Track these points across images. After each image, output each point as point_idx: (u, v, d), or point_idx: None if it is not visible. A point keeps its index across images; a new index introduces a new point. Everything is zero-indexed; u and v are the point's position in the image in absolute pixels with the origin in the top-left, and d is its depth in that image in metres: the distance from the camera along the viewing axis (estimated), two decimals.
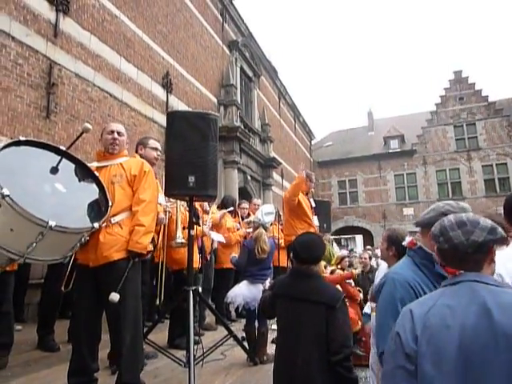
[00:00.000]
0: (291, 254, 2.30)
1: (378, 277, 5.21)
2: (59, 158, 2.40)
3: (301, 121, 22.41)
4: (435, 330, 1.15)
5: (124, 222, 2.50)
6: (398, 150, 24.53)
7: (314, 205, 5.07)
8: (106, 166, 2.64)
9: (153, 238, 3.20)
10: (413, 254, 1.87)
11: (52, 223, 2.03)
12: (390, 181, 24.32)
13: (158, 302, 3.50)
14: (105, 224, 2.36)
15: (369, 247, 14.45)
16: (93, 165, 2.63)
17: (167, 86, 9.15)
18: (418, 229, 1.89)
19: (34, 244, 2.06)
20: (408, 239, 2.05)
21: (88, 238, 2.33)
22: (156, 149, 3.24)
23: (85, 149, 6.35)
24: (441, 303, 1.20)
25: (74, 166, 2.50)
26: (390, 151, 24.64)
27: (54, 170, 2.32)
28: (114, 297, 2.25)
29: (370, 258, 8.26)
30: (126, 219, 2.52)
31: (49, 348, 3.58)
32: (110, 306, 2.34)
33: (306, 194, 5.11)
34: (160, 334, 3.46)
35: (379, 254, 8.92)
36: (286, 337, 2.08)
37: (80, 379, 2.39)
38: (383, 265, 5.45)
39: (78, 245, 2.28)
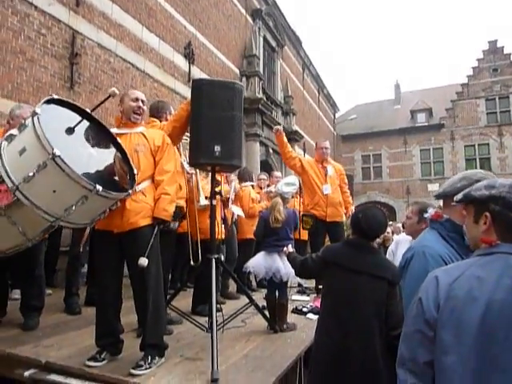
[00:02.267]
0: (350, 224, 2.27)
1: (398, 252, 5.18)
2: (86, 121, 2.41)
3: (325, 93, 21.88)
4: (460, 300, 1.12)
5: (146, 189, 2.54)
6: (426, 123, 23.78)
7: (330, 173, 5.03)
8: (126, 133, 2.64)
9: (182, 208, 3.25)
10: (438, 227, 1.80)
11: (99, 187, 2.05)
12: (415, 156, 23.72)
13: (192, 263, 3.55)
14: (131, 192, 2.38)
15: (391, 222, 14.28)
16: (113, 131, 2.64)
17: (189, 56, 9.04)
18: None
19: (74, 207, 2.09)
20: (432, 211, 1.98)
21: (114, 207, 2.37)
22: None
23: (108, 120, 6.41)
24: (469, 274, 1.16)
25: (98, 130, 2.51)
26: (417, 125, 23.93)
27: (71, 131, 2.30)
28: (143, 261, 2.30)
29: (393, 232, 8.19)
30: (148, 187, 2.56)
31: (70, 311, 3.75)
32: (135, 271, 2.40)
33: (322, 162, 5.07)
34: (183, 301, 3.55)
35: (401, 228, 8.82)
36: (336, 306, 2.08)
37: (107, 340, 2.49)
38: (402, 239, 5.41)
39: (108, 210, 2.32)
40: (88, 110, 2.49)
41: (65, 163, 1.99)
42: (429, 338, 1.15)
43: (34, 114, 2.08)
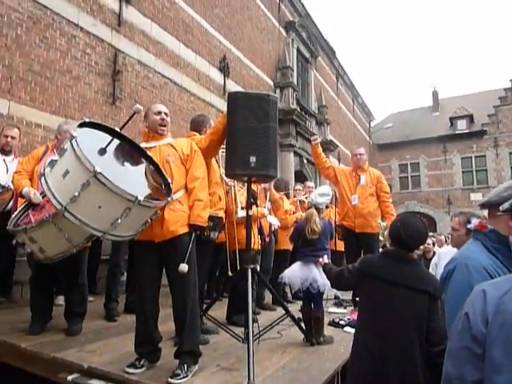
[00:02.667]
0: (387, 235, 2.22)
1: (441, 264, 4.97)
2: (115, 139, 2.51)
3: (359, 102, 21.63)
4: (510, 316, 1.07)
5: (182, 198, 2.61)
6: (466, 130, 22.90)
7: (362, 182, 4.87)
8: (155, 146, 2.72)
9: (221, 218, 3.31)
10: (482, 238, 1.73)
11: (140, 197, 2.14)
12: (456, 164, 22.86)
13: (230, 273, 3.59)
14: (170, 200, 2.45)
15: (432, 234, 13.78)
16: (142, 145, 2.73)
17: (224, 69, 9.24)
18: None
19: (119, 220, 2.18)
20: (475, 221, 1.91)
21: (156, 216, 2.44)
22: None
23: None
24: None
25: (128, 147, 2.62)
26: (457, 132, 23.09)
27: (103, 151, 2.40)
28: (183, 267, 2.36)
29: (434, 244, 7.90)
30: (183, 196, 2.63)
31: (109, 316, 3.87)
32: (174, 278, 2.47)
33: (356, 171, 4.95)
34: (219, 311, 3.58)
35: (443, 241, 8.49)
36: (374, 319, 2.03)
37: (146, 349, 2.55)
38: (447, 251, 5.20)
39: (149, 220, 2.40)
40: (117, 129, 2.60)
41: (106, 179, 2.09)
42: (477, 355, 1.08)
43: (72, 137, 2.20)
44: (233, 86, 9.44)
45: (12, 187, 3.42)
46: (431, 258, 6.35)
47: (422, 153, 23.71)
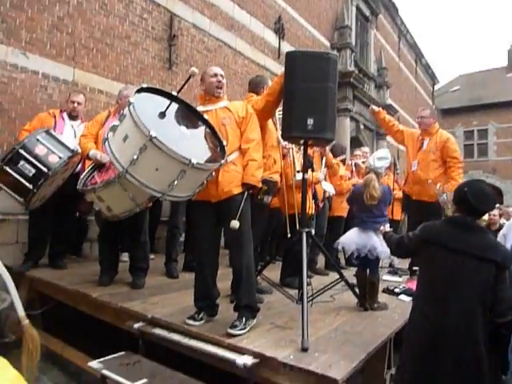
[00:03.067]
0: (453, 201, 2.11)
1: (509, 236, 4.65)
2: (173, 103, 2.55)
3: (423, 63, 20.15)
4: None
5: (236, 160, 2.66)
6: None
7: (424, 147, 4.57)
8: (211, 109, 2.75)
9: (276, 182, 3.32)
10: None
11: (194, 161, 2.21)
12: None
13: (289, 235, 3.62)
14: (224, 161, 2.49)
15: (498, 205, 12.94)
16: (199, 109, 2.77)
17: (279, 31, 8.96)
18: None
19: (176, 182, 2.27)
20: None
21: (213, 175, 2.50)
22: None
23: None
24: None
25: (186, 110, 2.66)
26: None
27: (163, 115, 2.46)
28: (235, 224, 2.44)
29: (500, 216, 7.44)
30: (238, 158, 2.68)
31: (169, 274, 4.09)
32: (230, 235, 2.56)
33: (421, 135, 4.64)
34: (272, 273, 3.65)
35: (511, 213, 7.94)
36: (435, 286, 1.99)
37: (204, 303, 2.69)
38: None
39: (205, 182, 2.47)
40: (174, 93, 2.63)
41: (161, 142, 2.16)
42: None
43: (129, 103, 2.28)
44: (288, 49, 9.12)
45: (80, 150, 3.63)
46: (496, 231, 5.98)
47: (491, 118, 21.86)
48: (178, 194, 2.45)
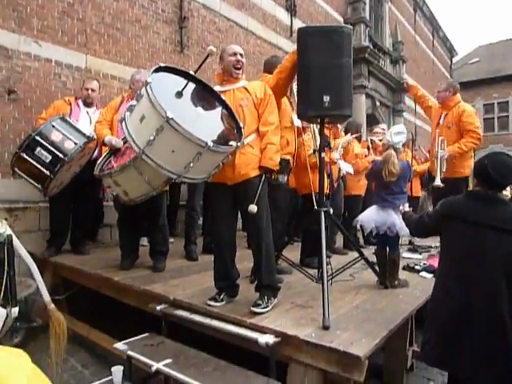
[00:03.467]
0: (474, 174, 2.07)
1: None
2: (191, 83, 2.52)
3: (440, 36, 19.45)
4: None
5: (253, 142, 2.62)
6: None
7: (441, 122, 4.55)
8: (229, 90, 2.70)
9: (288, 161, 3.29)
10: None
11: (210, 143, 2.19)
12: None
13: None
14: (240, 144, 2.46)
15: None
16: (217, 89, 2.72)
17: (291, 8, 8.75)
18: None
19: (192, 164, 2.26)
20: None
21: (227, 159, 2.48)
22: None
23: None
24: None
25: (204, 90, 2.62)
26: None
27: (180, 94, 2.45)
28: (253, 208, 2.43)
29: None
30: (255, 140, 2.63)
31: (189, 257, 4.13)
32: (249, 218, 2.54)
33: (441, 109, 4.58)
34: (291, 254, 3.65)
35: None
36: (457, 262, 1.96)
37: (225, 283, 2.72)
38: None
39: (221, 164, 2.45)
40: (192, 72, 2.59)
41: (178, 124, 2.14)
42: None
43: (146, 83, 2.25)
44: (300, 25, 8.94)
45: (95, 136, 3.65)
46: None
47: None
48: (194, 176, 2.45)
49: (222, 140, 2.43)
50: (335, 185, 4.56)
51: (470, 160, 4.40)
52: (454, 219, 1.99)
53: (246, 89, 2.69)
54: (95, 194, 4.47)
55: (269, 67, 3.41)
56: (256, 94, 2.66)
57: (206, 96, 2.62)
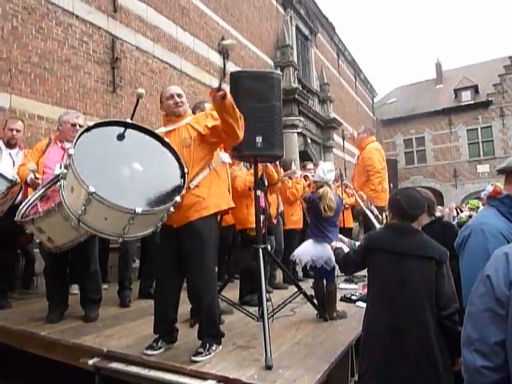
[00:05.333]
0: (388, 207, 2.26)
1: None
2: (130, 130, 2.47)
3: (362, 78, 21.31)
4: None
5: (201, 182, 2.53)
6: (471, 102, 22.57)
7: (354, 160, 5.22)
8: (174, 129, 2.63)
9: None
10: (497, 204, 1.73)
11: (139, 210, 2.14)
12: (461, 137, 22.61)
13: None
14: (184, 191, 2.39)
15: (440, 207, 13.78)
16: (161, 131, 2.66)
17: (223, 51, 9.09)
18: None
19: (128, 227, 2.22)
20: (490, 188, 1.90)
21: (173, 209, 2.35)
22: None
23: (150, 120, 6.60)
24: None
25: (143, 136, 2.53)
26: (462, 104, 22.76)
27: (121, 137, 2.41)
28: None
29: (442, 217, 7.90)
30: (204, 179, 2.54)
31: (123, 303, 3.93)
32: (193, 265, 2.49)
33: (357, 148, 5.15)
34: (230, 292, 3.61)
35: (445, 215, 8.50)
36: (385, 290, 2.06)
37: (164, 327, 2.59)
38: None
39: (166, 216, 2.36)
40: (128, 120, 2.52)
41: (101, 197, 2.10)
42: (500, 317, 1.10)
43: (69, 155, 2.21)
44: (232, 68, 9.30)
45: (19, 180, 3.43)
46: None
47: (426, 127, 23.44)
48: (136, 234, 2.37)
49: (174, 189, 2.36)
50: (274, 221, 4.66)
51: (375, 193, 4.91)
52: (377, 251, 2.14)
53: (190, 125, 2.60)
54: (21, 241, 4.13)
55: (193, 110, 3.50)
56: (202, 125, 2.56)
57: (149, 143, 2.51)
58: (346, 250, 2.67)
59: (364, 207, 4.01)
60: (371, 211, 3.85)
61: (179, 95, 2.68)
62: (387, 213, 4.08)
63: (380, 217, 4.48)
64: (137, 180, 2.36)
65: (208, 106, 3.29)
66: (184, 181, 2.40)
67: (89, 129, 2.37)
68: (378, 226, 4.33)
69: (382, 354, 2.00)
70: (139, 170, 2.39)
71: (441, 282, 1.99)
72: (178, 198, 2.29)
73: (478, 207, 6.92)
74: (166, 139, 2.54)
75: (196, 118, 2.68)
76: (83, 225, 2.25)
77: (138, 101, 2.56)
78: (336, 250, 2.71)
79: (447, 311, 1.96)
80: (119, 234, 2.28)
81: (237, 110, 2.38)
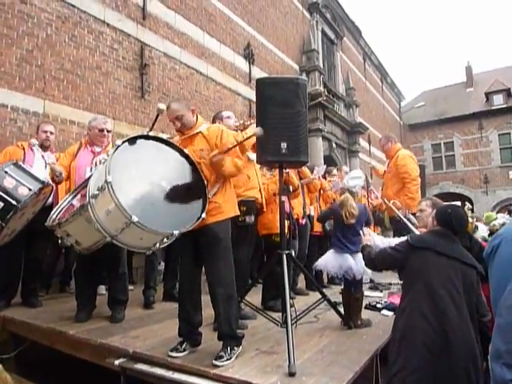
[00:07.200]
0: (436, 215, 2.34)
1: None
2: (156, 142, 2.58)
3: (388, 82, 20.99)
4: None
5: (218, 190, 2.62)
6: (504, 105, 21.77)
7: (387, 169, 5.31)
8: (189, 135, 2.68)
9: (254, 202, 3.36)
10: None
11: (176, 232, 2.33)
12: (493, 141, 21.83)
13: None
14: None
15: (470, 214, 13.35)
16: (176, 139, 2.75)
17: (249, 57, 9.18)
18: None
19: (159, 244, 2.42)
20: None
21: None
22: (228, 117, 3.42)
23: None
24: None
25: (173, 152, 2.60)
26: (494, 108, 21.99)
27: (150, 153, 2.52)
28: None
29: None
30: (221, 188, 2.64)
31: (146, 302, 3.99)
32: (208, 265, 2.59)
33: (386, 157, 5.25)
34: (254, 297, 3.61)
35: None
36: (431, 289, 2.08)
37: (187, 331, 2.63)
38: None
39: (158, 245, 2.48)
40: (161, 136, 2.70)
41: (143, 225, 2.23)
42: None
43: (106, 182, 2.24)
44: (258, 73, 9.37)
45: (51, 182, 3.54)
46: None
47: (455, 131, 22.79)
48: (127, 243, 2.51)
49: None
50: (303, 222, 4.61)
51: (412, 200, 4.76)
52: (423, 250, 2.19)
53: (203, 136, 2.65)
54: (51, 241, 4.27)
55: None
56: (217, 140, 2.62)
57: (174, 159, 2.58)
58: (377, 247, 2.68)
59: (401, 216, 3.91)
60: (408, 219, 3.76)
61: (177, 117, 2.65)
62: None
63: (417, 224, 4.36)
64: (167, 200, 2.46)
65: (225, 113, 3.34)
66: (205, 196, 2.52)
67: (118, 147, 2.40)
68: (417, 233, 4.22)
69: (426, 350, 1.99)
70: (167, 190, 2.46)
71: (478, 292, 2.13)
72: (203, 215, 2.46)
73: (496, 218, 6.62)
74: (190, 155, 2.60)
75: (210, 132, 2.67)
76: (117, 242, 2.41)
77: (157, 115, 2.60)
78: (366, 247, 2.66)
79: (486, 318, 2.10)
80: (149, 248, 2.49)
81: (228, 164, 2.54)
